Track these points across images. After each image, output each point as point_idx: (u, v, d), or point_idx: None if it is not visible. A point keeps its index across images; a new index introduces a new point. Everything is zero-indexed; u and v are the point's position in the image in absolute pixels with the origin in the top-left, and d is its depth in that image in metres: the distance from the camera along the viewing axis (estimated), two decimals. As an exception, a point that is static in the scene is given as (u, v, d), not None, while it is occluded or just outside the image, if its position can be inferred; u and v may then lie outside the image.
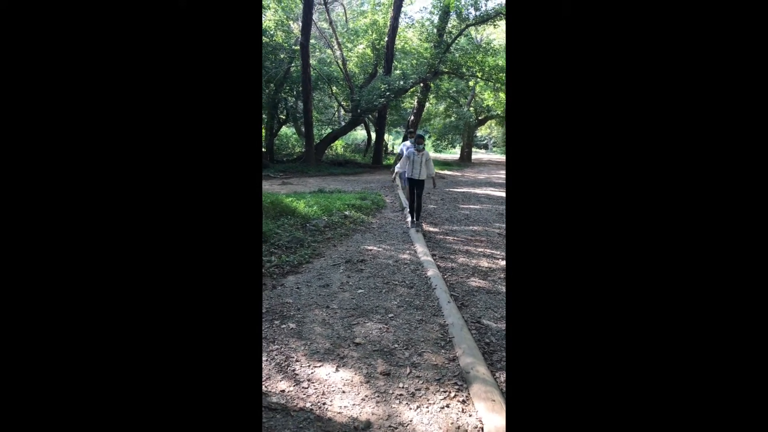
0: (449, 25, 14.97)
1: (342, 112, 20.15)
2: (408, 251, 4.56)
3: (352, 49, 16.30)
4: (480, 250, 4.80)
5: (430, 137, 21.72)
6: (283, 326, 2.70)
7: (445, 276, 3.81)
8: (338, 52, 15.43)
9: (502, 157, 29.86)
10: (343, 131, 16.92)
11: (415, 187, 5.60)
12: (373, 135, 17.67)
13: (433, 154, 19.27)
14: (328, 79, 15.67)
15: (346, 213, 6.22)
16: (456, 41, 14.94)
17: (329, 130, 18.16)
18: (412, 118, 16.75)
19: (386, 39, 14.80)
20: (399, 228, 5.75)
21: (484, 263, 4.26)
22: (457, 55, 14.77)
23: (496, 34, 19.70)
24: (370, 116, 16.27)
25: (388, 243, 4.92)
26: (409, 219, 5.72)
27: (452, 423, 1.83)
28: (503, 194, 9.87)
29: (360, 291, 3.36)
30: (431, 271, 3.81)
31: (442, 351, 2.45)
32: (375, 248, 4.66)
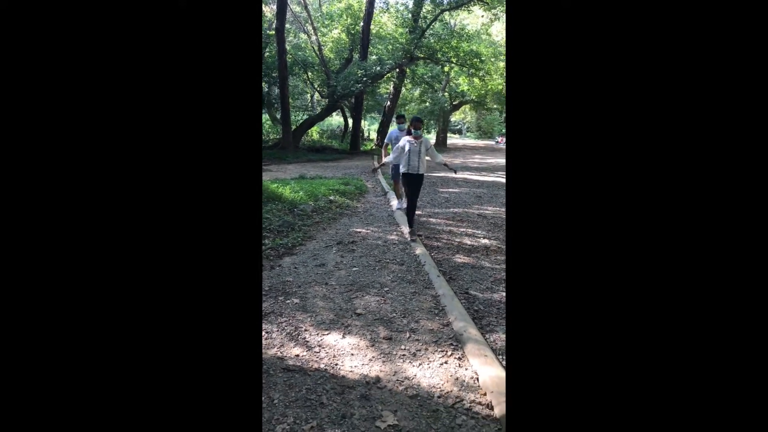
0: (424, 10, 15.05)
1: (317, 97, 19.99)
2: (395, 232, 4.79)
3: (327, 33, 16.14)
4: (462, 230, 5.08)
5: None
6: (288, 301, 2.88)
7: (432, 254, 4.06)
8: (313, 37, 15.28)
9: (477, 142, 30.34)
10: (320, 117, 16.86)
11: (413, 184, 4.43)
12: (350, 121, 17.64)
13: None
14: (303, 64, 15.54)
15: (331, 198, 6.38)
16: (431, 26, 15.07)
17: (304, 117, 18.01)
18: (389, 103, 16.85)
19: (362, 24, 14.77)
20: (384, 211, 5.96)
21: (467, 242, 4.54)
22: (432, 40, 14.91)
23: (470, 19, 19.89)
24: (346, 102, 16.26)
25: (375, 225, 5.13)
26: (395, 203, 5.51)
27: (451, 375, 2.08)
28: (480, 178, 10.22)
29: (354, 269, 3.57)
30: (419, 250, 4.05)
31: (437, 318, 2.71)
32: (363, 230, 4.86)
